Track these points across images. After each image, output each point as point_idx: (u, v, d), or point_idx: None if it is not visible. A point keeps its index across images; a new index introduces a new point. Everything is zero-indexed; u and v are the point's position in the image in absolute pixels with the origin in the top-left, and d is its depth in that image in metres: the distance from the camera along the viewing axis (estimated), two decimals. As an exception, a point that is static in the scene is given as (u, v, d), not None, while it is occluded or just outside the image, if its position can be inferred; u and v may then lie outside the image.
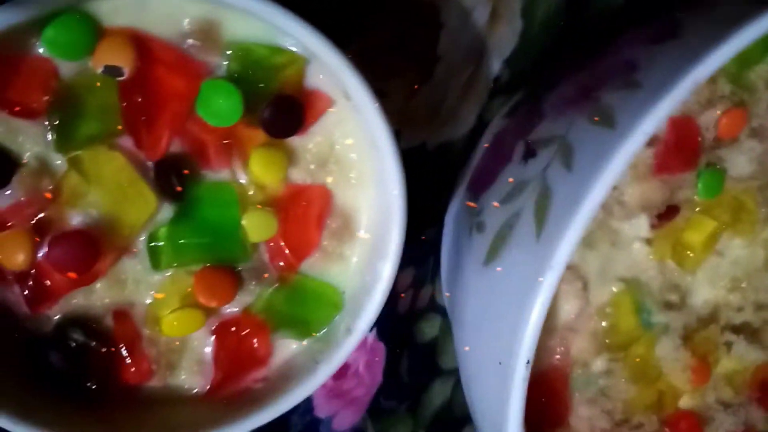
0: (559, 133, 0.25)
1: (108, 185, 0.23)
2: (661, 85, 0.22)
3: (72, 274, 0.22)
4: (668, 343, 0.30)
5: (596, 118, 0.24)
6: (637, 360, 0.30)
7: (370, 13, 0.30)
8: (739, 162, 0.28)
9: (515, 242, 0.25)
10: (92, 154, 0.22)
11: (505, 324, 0.24)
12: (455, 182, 0.33)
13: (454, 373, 0.37)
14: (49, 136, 0.22)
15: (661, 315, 0.30)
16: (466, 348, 0.28)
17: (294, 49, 0.23)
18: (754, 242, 0.30)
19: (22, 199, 0.22)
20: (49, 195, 0.22)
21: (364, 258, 0.26)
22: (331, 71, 0.22)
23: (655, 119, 0.22)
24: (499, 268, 0.25)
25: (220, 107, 0.23)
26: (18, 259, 0.22)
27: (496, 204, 0.27)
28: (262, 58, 0.23)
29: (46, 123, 0.22)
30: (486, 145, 0.32)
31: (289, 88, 0.23)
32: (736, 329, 0.31)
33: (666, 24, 0.26)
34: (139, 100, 0.22)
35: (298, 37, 0.21)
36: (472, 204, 0.30)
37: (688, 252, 0.29)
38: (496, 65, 0.32)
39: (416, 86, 0.32)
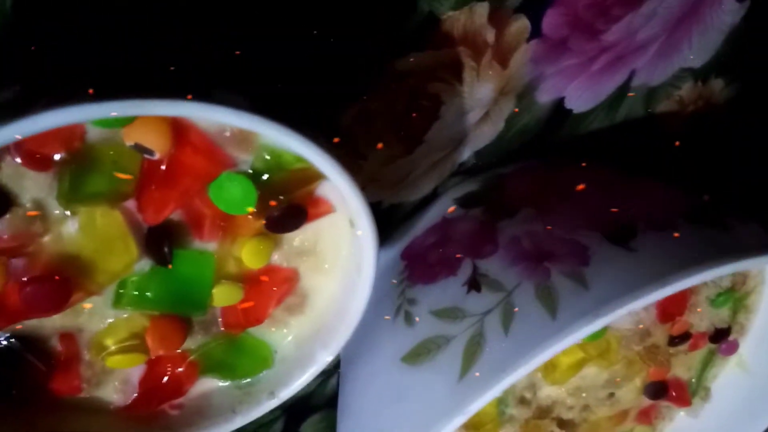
0: (506, 286, 0.28)
1: (97, 235, 0.23)
2: (606, 301, 0.26)
3: (37, 314, 0.23)
4: (510, 429, 0.36)
5: (541, 297, 0.27)
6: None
7: (378, 85, 0.30)
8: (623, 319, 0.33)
9: (438, 366, 0.28)
10: (92, 210, 0.22)
11: (404, 428, 0.28)
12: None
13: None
14: (55, 187, 0.21)
15: (514, 408, 0.36)
16: (353, 423, 0.31)
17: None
18: (604, 370, 0.36)
19: (6, 236, 0.21)
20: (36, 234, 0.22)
21: (306, 335, 0.28)
22: (342, 196, 0.23)
23: (593, 329, 0.26)
24: (416, 375, 0.29)
25: (234, 198, 0.23)
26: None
27: (428, 312, 0.30)
28: (286, 164, 0.23)
29: (55, 173, 0.21)
30: (431, 225, 0.34)
31: (300, 196, 0.24)
32: (561, 423, 0.38)
33: (624, 226, 0.29)
34: (158, 174, 0.22)
35: (317, 165, 0.22)
36: (402, 283, 0.32)
37: (556, 370, 0.35)
38: (467, 153, 0.35)
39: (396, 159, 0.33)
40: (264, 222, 0.24)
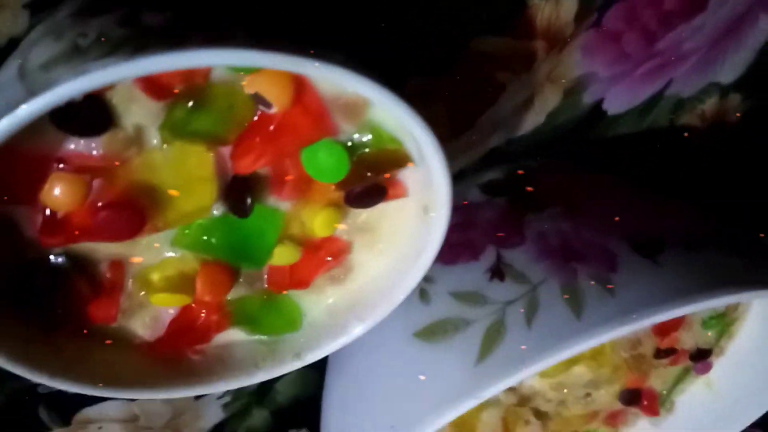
0: (532, 279, 0.29)
1: (184, 172, 0.22)
2: (631, 310, 0.27)
3: (104, 239, 0.22)
4: (493, 412, 0.38)
5: (567, 296, 0.28)
6: (465, 416, 0.37)
7: (450, 63, 0.30)
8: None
9: (455, 347, 0.28)
10: (187, 146, 0.21)
11: (414, 402, 0.29)
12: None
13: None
14: (161, 117, 0.21)
15: (503, 393, 0.37)
16: (352, 391, 0.32)
17: (411, 151, 0.24)
18: (591, 371, 0.38)
19: (100, 153, 0.21)
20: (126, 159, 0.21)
21: (340, 305, 0.28)
22: (428, 184, 0.24)
23: (616, 335, 0.27)
24: (430, 352, 0.29)
25: (326, 167, 0.23)
26: (65, 201, 0.21)
27: (447, 293, 0.30)
28: (383, 142, 0.23)
29: (167, 104, 0.20)
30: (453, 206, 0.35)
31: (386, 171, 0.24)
32: (537, 413, 0.40)
33: (653, 239, 0.30)
34: (265, 127, 0.21)
35: (423, 147, 0.22)
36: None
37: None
38: (501, 139, 0.35)
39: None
40: (344, 195, 0.24)
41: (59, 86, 0.16)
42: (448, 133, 0.33)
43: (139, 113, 0.20)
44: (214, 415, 0.44)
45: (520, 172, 0.35)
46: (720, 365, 0.39)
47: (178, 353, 0.27)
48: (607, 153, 0.37)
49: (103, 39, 0.17)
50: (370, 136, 0.23)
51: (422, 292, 0.31)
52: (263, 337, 0.28)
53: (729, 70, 0.37)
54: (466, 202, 0.34)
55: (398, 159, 0.24)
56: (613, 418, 0.40)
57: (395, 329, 0.30)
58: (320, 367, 0.35)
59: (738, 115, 0.39)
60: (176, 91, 0.20)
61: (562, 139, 0.36)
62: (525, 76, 0.32)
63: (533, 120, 0.34)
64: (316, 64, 0.17)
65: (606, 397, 0.38)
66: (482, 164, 0.36)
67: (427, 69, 0.29)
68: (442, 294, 0.30)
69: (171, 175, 0.22)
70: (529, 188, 0.34)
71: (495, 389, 0.26)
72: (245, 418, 0.46)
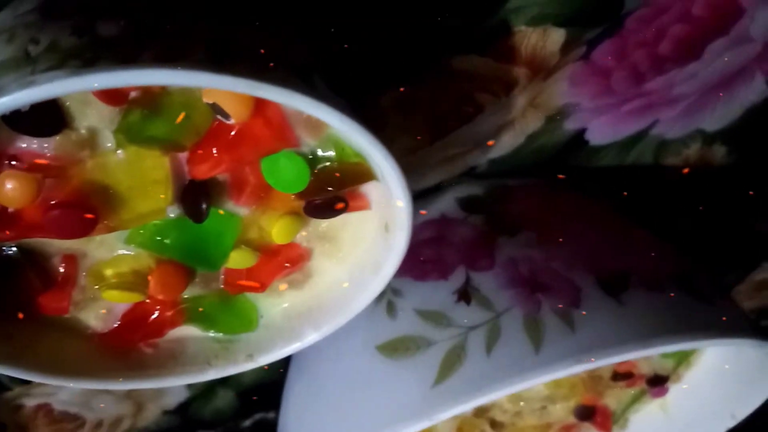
0: (497, 307, 0.29)
1: (138, 174, 0.22)
2: (589, 349, 0.27)
3: (54, 236, 0.22)
4: (450, 422, 0.38)
5: (528, 328, 0.29)
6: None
7: (431, 77, 0.30)
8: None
9: (414, 366, 0.29)
10: (143, 150, 0.21)
11: (369, 415, 0.29)
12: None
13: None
14: (116, 121, 0.20)
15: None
16: (312, 393, 0.32)
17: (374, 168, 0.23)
18: (550, 388, 0.39)
19: (53, 153, 0.20)
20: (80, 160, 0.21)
21: (297, 310, 0.28)
22: (390, 202, 0.23)
23: (571, 372, 0.27)
24: (389, 368, 0.30)
25: (286, 178, 0.23)
26: (15, 198, 0.21)
27: (413, 310, 0.31)
28: (346, 156, 0.23)
29: (122, 109, 0.20)
30: (430, 219, 0.35)
31: (347, 186, 0.24)
32: (493, 423, 0.40)
33: (619, 276, 0.31)
34: (223, 137, 0.21)
35: (382, 169, 0.22)
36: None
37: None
38: (482, 159, 0.35)
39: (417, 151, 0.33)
40: (303, 205, 0.24)
41: (5, 96, 0.16)
42: (425, 142, 0.33)
43: (93, 116, 0.20)
44: (178, 392, 0.44)
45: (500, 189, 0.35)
46: (676, 391, 0.39)
47: (130, 345, 0.27)
48: (589, 182, 0.37)
49: (53, 49, 0.16)
50: (332, 151, 0.23)
51: (389, 305, 0.31)
52: (218, 335, 0.28)
53: (716, 120, 0.37)
54: (442, 215, 0.34)
55: (361, 174, 0.23)
56: (566, 431, 0.41)
57: (359, 338, 0.30)
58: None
59: (720, 165, 0.39)
60: (131, 97, 0.20)
61: (544, 163, 0.36)
62: (505, 99, 0.32)
63: (513, 141, 0.34)
64: (267, 87, 0.17)
65: (561, 412, 0.39)
66: (464, 180, 0.36)
67: (406, 80, 0.29)
68: (408, 310, 0.30)
69: (125, 177, 0.22)
70: (507, 208, 0.34)
71: (448, 413, 0.27)
72: (210, 399, 0.46)
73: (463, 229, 0.33)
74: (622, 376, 0.36)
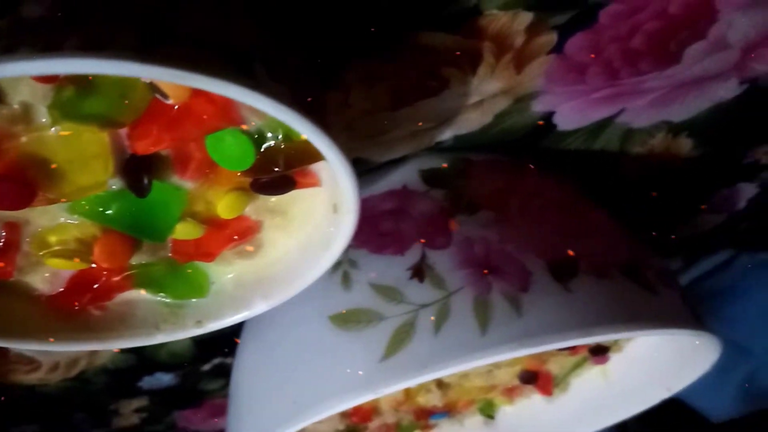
0: (449, 287, 0.30)
1: (76, 149, 0.21)
2: (534, 334, 0.28)
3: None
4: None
5: (477, 309, 0.29)
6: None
7: (397, 51, 0.29)
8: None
9: (364, 340, 0.29)
10: (81, 126, 0.20)
11: (317, 383, 0.29)
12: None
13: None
14: (50, 97, 0.19)
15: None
16: (264, 355, 0.32)
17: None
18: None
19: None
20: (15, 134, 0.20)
21: (248, 279, 0.28)
22: (335, 183, 0.23)
23: (515, 355, 0.28)
24: (340, 339, 0.30)
25: (231, 155, 0.22)
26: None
27: (367, 282, 0.31)
28: (294, 135, 0.23)
29: (54, 86, 0.19)
30: (392, 189, 0.35)
31: (294, 167, 0.24)
32: (440, 383, 0.41)
33: (569, 262, 0.31)
34: (163, 115, 0.21)
35: (324, 153, 0.21)
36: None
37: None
38: (448, 134, 0.35)
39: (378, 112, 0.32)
40: (250, 182, 0.23)
41: None
42: (386, 106, 0.32)
43: (26, 92, 0.19)
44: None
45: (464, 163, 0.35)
46: (617, 359, 0.40)
47: (77, 308, 0.27)
48: (558, 164, 0.37)
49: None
50: (279, 131, 0.22)
51: (345, 275, 0.31)
52: (167, 300, 0.28)
53: (683, 112, 0.37)
54: (404, 186, 0.34)
55: (309, 154, 0.23)
56: (509, 392, 0.42)
57: (312, 306, 0.31)
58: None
59: (686, 156, 0.39)
60: (63, 74, 0.19)
61: (511, 143, 0.36)
62: (477, 82, 0.31)
63: (480, 119, 0.34)
64: (198, 78, 0.16)
65: (506, 376, 0.40)
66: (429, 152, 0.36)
67: (369, 53, 0.28)
68: (363, 282, 0.30)
69: (63, 151, 0.21)
70: (468, 183, 0.34)
71: (393, 388, 0.28)
72: (165, 342, 0.46)
73: (423, 203, 0.33)
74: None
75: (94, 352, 0.45)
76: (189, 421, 0.61)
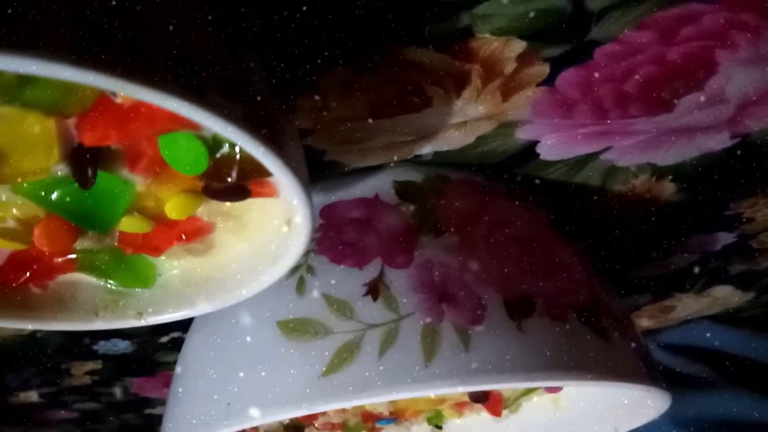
0: (401, 310, 0.29)
1: (20, 133, 0.20)
2: (477, 372, 0.28)
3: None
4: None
5: (424, 338, 0.28)
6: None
7: (381, 63, 0.28)
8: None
9: (308, 353, 0.28)
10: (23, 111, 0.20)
11: (254, 390, 0.29)
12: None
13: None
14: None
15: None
16: (210, 349, 0.32)
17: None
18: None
19: None
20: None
21: (194, 277, 0.27)
22: (290, 196, 0.22)
23: (456, 391, 0.28)
24: (283, 347, 0.29)
25: (183, 159, 0.21)
26: None
27: (321, 293, 0.30)
28: (249, 147, 0.22)
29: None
30: (363, 197, 0.34)
31: (249, 177, 0.23)
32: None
33: (526, 300, 0.30)
34: (113, 111, 0.20)
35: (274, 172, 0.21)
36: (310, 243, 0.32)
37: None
38: (427, 149, 0.34)
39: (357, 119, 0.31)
40: (202, 187, 0.23)
41: None
42: (365, 115, 0.31)
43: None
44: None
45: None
46: (568, 390, 0.40)
47: (15, 285, 0.27)
48: (534, 191, 0.36)
49: None
50: (236, 139, 0.21)
51: (301, 281, 0.31)
52: (111, 286, 0.28)
53: (669, 157, 0.36)
54: (376, 195, 0.33)
55: (265, 167, 0.22)
56: (459, 407, 0.42)
57: (263, 308, 0.30)
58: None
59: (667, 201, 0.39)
60: None
61: (491, 167, 0.35)
62: (460, 103, 0.30)
63: (462, 139, 0.33)
64: (136, 88, 0.15)
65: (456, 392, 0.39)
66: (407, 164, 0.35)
67: (350, 62, 0.27)
68: (317, 293, 0.30)
69: (5, 133, 0.20)
70: (440, 202, 0.33)
71: (328, 407, 0.27)
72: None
73: (391, 217, 0.33)
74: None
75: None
76: (141, 387, 0.60)
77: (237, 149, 0.21)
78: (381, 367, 0.27)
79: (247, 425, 0.28)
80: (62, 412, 0.63)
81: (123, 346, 0.52)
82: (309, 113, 0.30)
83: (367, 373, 0.27)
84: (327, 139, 0.32)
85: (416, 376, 0.27)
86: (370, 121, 0.31)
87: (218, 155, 0.22)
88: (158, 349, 0.53)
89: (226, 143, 0.21)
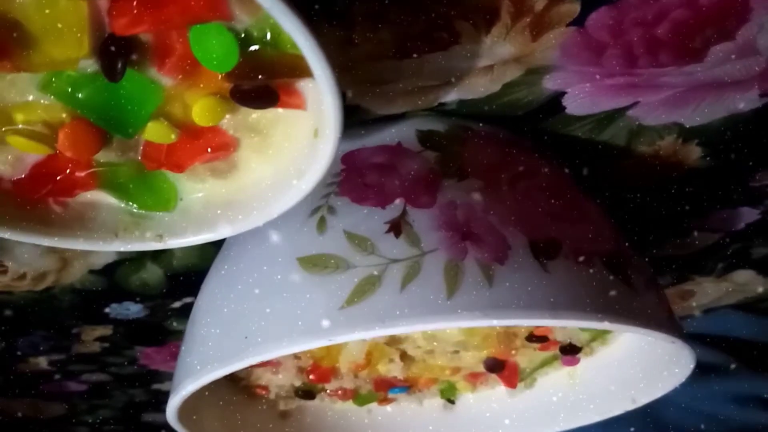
0: (423, 246, 0.28)
1: (52, 15, 0.20)
2: (500, 307, 0.27)
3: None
4: (361, 343, 0.38)
5: (448, 273, 0.28)
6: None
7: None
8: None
9: (328, 285, 0.28)
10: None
11: (273, 322, 0.28)
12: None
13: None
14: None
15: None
16: (228, 284, 0.31)
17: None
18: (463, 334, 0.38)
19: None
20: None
21: (217, 200, 0.27)
22: (320, 106, 0.22)
23: (477, 324, 0.27)
24: (304, 281, 0.29)
25: (213, 53, 0.21)
26: None
27: (342, 230, 0.30)
28: (281, 44, 0.21)
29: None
30: (385, 144, 0.34)
31: (279, 80, 0.22)
32: (403, 355, 0.40)
33: (552, 243, 0.29)
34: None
35: (311, 63, 0.20)
36: (331, 186, 0.32)
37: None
38: (452, 96, 0.33)
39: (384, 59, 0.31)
40: (230, 88, 0.22)
41: None
42: (392, 53, 0.31)
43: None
44: (106, 253, 0.43)
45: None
46: (586, 363, 0.39)
47: (37, 198, 0.26)
48: (558, 148, 0.35)
49: None
50: (268, 35, 0.21)
51: (321, 220, 0.30)
52: (132, 209, 0.27)
53: (695, 117, 0.35)
54: (399, 143, 0.33)
55: (297, 68, 0.22)
56: (473, 377, 0.41)
57: (283, 247, 0.30)
58: (220, 245, 0.35)
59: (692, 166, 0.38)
60: None
61: (516, 119, 0.34)
62: (489, 41, 0.30)
63: (488, 87, 0.32)
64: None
65: (472, 360, 0.38)
66: (429, 113, 0.35)
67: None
68: (338, 229, 0.29)
69: (37, 16, 0.20)
70: (463, 150, 0.32)
71: (348, 338, 0.26)
72: (138, 269, 0.45)
73: (414, 162, 0.32)
74: (538, 338, 0.36)
75: (64, 267, 0.44)
76: (150, 359, 0.60)
77: (268, 43, 0.21)
78: (402, 299, 0.27)
79: (265, 357, 0.28)
80: (70, 383, 0.63)
81: (135, 310, 0.51)
82: (335, 48, 0.30)
83: (388, 304, 0.27)
84: (352, 79, 0.32)
85: (438, 308, 0.27)
86: (397, 58, 0.31)
87: (248, 52, 0.21)
88: (170, 315, 0.52)
89: (258, 38, 0.21)
